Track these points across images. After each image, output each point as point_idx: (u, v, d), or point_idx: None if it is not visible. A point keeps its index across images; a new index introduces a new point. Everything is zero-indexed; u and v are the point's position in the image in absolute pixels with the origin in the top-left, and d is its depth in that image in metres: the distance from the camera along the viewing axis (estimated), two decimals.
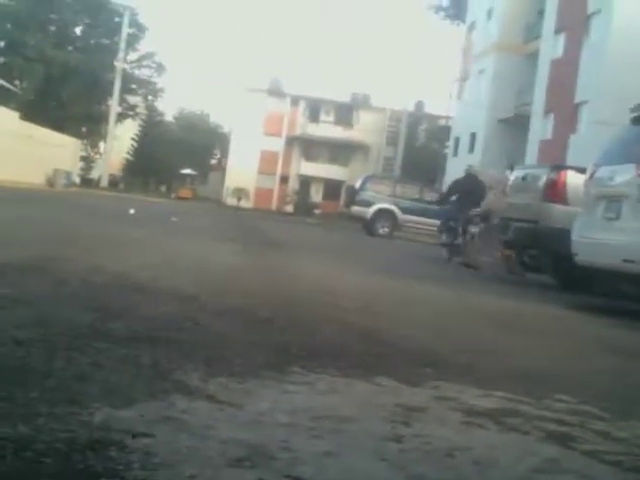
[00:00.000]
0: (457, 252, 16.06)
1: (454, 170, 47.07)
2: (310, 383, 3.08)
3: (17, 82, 51.90)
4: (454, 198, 17.53)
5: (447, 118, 58.39)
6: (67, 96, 53.10)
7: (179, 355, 3.24)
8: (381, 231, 27.87)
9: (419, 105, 70.77)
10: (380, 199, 28.26)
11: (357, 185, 29.88)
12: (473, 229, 15.95)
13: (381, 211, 28.15)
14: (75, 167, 50.65)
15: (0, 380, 2.48)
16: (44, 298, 4.28)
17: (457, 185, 17.68)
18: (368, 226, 28.32)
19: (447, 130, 55.52)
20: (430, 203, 27.49)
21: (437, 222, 27.61)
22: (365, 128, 69.22)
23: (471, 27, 52.25)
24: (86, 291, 4.84)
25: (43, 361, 2.81)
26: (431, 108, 72.18)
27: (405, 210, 28.14)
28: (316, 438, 2.33)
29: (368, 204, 28.19)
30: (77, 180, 51.22)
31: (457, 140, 50.17)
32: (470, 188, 16.64)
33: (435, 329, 5.40)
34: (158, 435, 2.12)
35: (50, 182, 40.04)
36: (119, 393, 2.50)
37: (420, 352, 4.19)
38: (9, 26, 55.11)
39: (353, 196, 29.46)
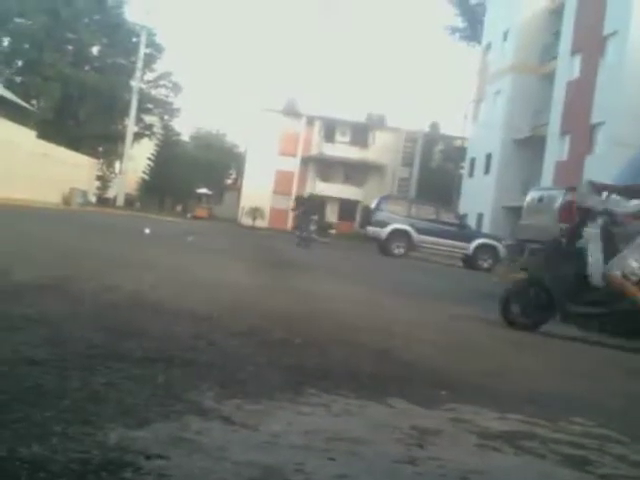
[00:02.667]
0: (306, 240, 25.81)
1: (470, 191, 47.14)
2: (324, 404, 3.07)
3: (34, 101, 52.25)
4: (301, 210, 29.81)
5: (463, 139, 58.33)
6: (84, 115, 53.44)
7: (193, 376, 3.24)
8: (396, 251, 27.80)
9: (434, 126, 70.79)
10: (395, 219, 28.20)
11: (373, 205, 29.86)
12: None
13: (396, 231, 28.08)
14: (91, 186, 50.89)
15: (15, 400, 2.48)
16: (60, 318, 4.29)
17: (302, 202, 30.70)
18: (383, 246, 28.26)
19: (463, 151, 55.48)
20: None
21: (453, 242, 27.82)
22: (381, 148, 69.23)
23: (487, 48, 52.29)
24: (101, 310, 4.85)
25: (58, 381, 2.81)
26: (447, 129, 72.19)
27: (420, 230, 28.07)
28: (330, 460, 2.32)
29: (383, 224, 28.13)
30: (93, 199, 51.47)
31: (473, 161, 50.14)
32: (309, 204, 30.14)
33: (450, 350, 5.37)
34: (172, 457, 2.11)
35: (66, 201, 40.20)
36: (133, 414, 2.50)
37: (435, 373, 4.17)
38: (27, 46, 55.60)
39: (368, 216, 29.42)
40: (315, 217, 29.31)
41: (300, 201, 34.68)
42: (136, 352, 3.57)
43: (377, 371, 3.98)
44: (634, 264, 6.96)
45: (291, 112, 70.14)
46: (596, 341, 7.18)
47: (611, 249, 7.14)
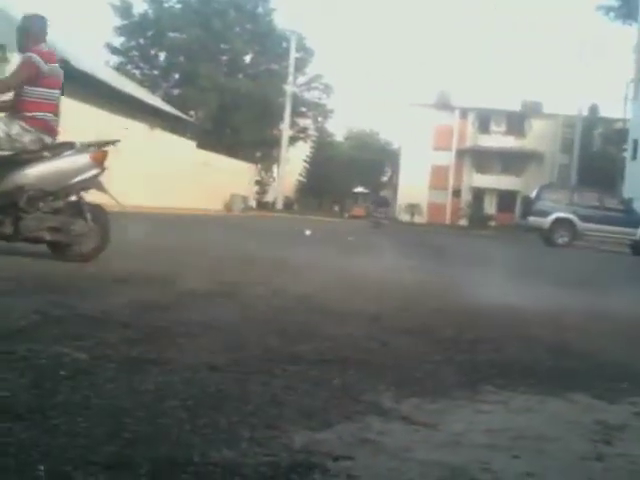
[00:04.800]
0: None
1: (634, 174, 45.31)
2: (503, 402, 3.04)
3: (192, 112, 53.85)
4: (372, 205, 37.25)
5: (624, 120, 56.20)
6: (240, 122, 54.58)
7: (369, 376, 3.26)
8: (560, 241, 27.09)
9: (593, 109, 68.40)
10: (557, 208, 27.49)
11: (533, 195, 29.23)
12: None
13: (559, 220, 27.36)
14: (251, 191, 52.02)
15: (200, 406, 2.57)
16: (232, 323, 4.42)
17: (373, 201, 36.84)
18: (546, 236, 27.60)
19: (624, 133, 53.45)
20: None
21: (619, 229, 26.85)
22: (538, 136, 67.77)
23: None
24: (272, 314, 4.95)
25: (239, 386, 2.90)
26: (606, 111, 69.75)
27: (584, 218, 27.24)
28: (515, 458, 2.29)
29: (545, 214, 27.47)
30: (253, 204, 52.60)
31: (636, 142, 48.15)
32: (377, 202, 36.60)
33: (631, 342, 5.18)
34: (358, 457, 2.14)
35: (227, 207, 41.25)
36: (315, 416, 2.55)
37: (614, 366, 4.04)
38: (182, 59, 57.48)
39: (529, 206, 28.78)
40: (382, 209, 40.73)
41: (372, 201, 48.14)
42: (310, 354, 3.63)
43: (553, 365, 3.90)
44: None
45: (443, 105, 69.61)
46: None
47: None
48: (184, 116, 45.07)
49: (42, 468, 1.88)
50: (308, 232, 19.69)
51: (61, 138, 7.09)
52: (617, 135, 59.06)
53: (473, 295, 7.31)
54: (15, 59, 24.02)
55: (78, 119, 23.96)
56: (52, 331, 3.61)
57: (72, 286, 5.39)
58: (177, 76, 59.32)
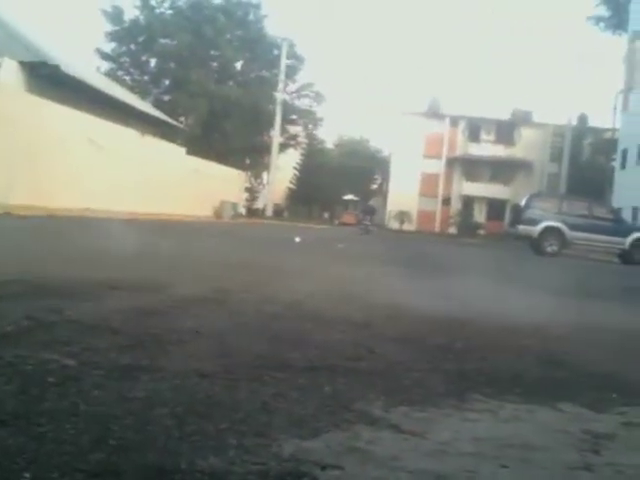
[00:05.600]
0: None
1: (623, 183, 45.49)
2: (491, 410, 3.04)
3: (182, 118, 53.84)
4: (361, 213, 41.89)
5: (613, 130, 56.44)
6: (230, 129, 54.58)
7: (358, 384, 3.26)
8: (549, 249, 27.16)
9: (582, 118, 68.63)
10: (547, 217, 27.56)
11: (522, 203, 29.30)
12: None
13: (548, 229, 27.43)
14: (240, 198, 52.00)
15: (189, 412, 2.56)
16: (223, 330, 4.41)
17: (362, 209, 40.57)
18: (535, 245, 27.68)
19: (613, 143, 53.67)
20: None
21: (608, 238, 26.93)
22: (527, 145, 67.97)
23: (635, 36, 50.45)
24: (261, 321, 4.94)
25: (228, 393, 2.89)
26: (595, 121, 70.04)
27: (573, 227, 27.32)
28: (503, 468, 2.29)
29: (534, 222, 27.54)
30: (243, 211, 52.61)
31: (625, 152, 48.37)
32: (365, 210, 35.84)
33: (619, 353, 5.19)
34: (347, 466, 2.14)
35: (217, 214, 41.21)
36: (304, 424, 2.55)
37: (602, 376, 4.04)
38: (173, 65, 57.47)
39: (518, 215, 28.85)
40: (369, 217, 42.20)
41: (361, 209, 50.32)
42: (300, 362, 3.62)
43: (541, 375, 3.90)
44: None
45: (434, 114, 69.79)
46: None
47: None
48: (174, 122, 45.04)
49: (28, 476, 1.87)
50: (298, 239, 19.72)
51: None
52: (606, 145, 59.30)
53: (460, 304, 7.32)
54: (7, 64, 24.11)
55: (68, 125, 23.98)
56: (42, 337, 3.61)
57: (65, 291, 5.37)
58: (167, 82, 59.28)
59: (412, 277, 10.72)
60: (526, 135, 68.72)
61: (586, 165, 63.63)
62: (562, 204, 28.88)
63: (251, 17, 60.50)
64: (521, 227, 28.11)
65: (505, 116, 70.15)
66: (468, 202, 69.07)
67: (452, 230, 64.92)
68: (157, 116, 40.92)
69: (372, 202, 60.19)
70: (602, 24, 62.14)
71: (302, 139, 71.91)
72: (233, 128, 54.80)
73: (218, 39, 57.51)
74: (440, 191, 70.05)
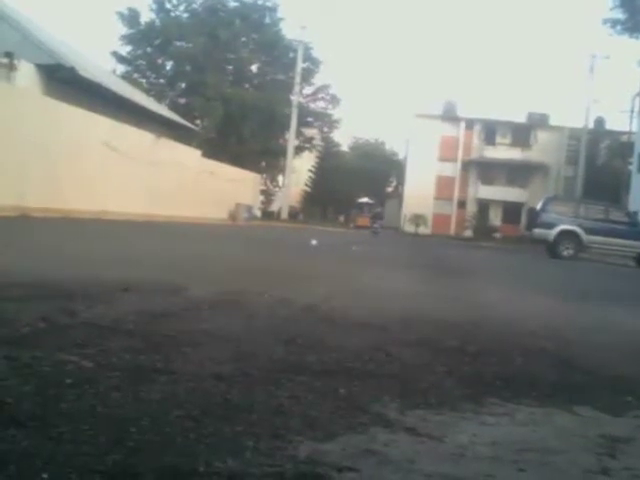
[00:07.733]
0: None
1: (639, 187, 45.21)
2: (508, 414, 3.03)
3: (198, 121, 53.88)
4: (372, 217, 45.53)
5: (629, 134, 56.16)
6: (246, 132, 54.56)
7: (374, 387, 3.25)
8: (565, 253, 27.10)
9: (599, 122, 68.36)
10: (563, 220, 27.49)
11: (538, 207, 29.23)
12: None
13: (564, 232, 27.36)
14: (256, 201, 51.98)
15: (206, 415, 2.56)
16: (239, 332, 4.39)
17: (373, 215, 44.11)
18: (551, 248, 27.61)
19: (630, 146, 53.38)
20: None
21: (624, 242, 26.80)
22: (543, 148, 67.82)
23: None
24: (277, 324, 4.93)
25: (244, 395, 2.89)
26: (612, 124, 69.75)
27: (589, 231, 27.23)
28: (521, 471, 2.28)
29: (551, 226, 27.47)
30: (258, 213, 52.58)
31: None
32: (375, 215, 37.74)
33: (633, 355, 5.16)
34: (363, 469, 2.13)
35: (232, 216, 41.19)
36: (320, 426, 2.54)
37: (618, 379, 4.01)
38: (188, 68, 57.54)
39: (535, 218, 28.76)
40: (378, 221, 46.22)
41: (371, 215, 53.31)
42: (316, 365, 3.62)
43: (558, 379, 3.88)
44: None
45: (449, 116, 69.71)
46: None
47: None
48: (190, 125, 45.08)
49: (46, 476, 1.88)
50: (314, 242, 19.70)
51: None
52: (623, 148, 58.97)
53: (474, 306, 7.30)
54: (23, 67, 24.21)
55: (84, 127, 24.06)
56: (58, 338, 3.62)
57: (81, 292, 5.38)
58: (183, 85, 59.33)
59: (428, 280, 10.69)
60: (542, 138, 68.56)
61: (602, 168, 63.38)
62: (578, 207, 28.80)
63: (267, 20, 60.54)
64: (537, 231, 28.03)
65: (521, 119, 70.03)
66: (484, 205, 68.95)
67: (468, 233, 64.76)
68: (173, 119, 40.97)
69: (379, 209, 61.68)
70: (619, 27, 61.86)
71: (317, 142, 71.87)
72: (249, 131, 54.78)
73: (234, 42, 57.61)
74: (456, 194, 70.00)
